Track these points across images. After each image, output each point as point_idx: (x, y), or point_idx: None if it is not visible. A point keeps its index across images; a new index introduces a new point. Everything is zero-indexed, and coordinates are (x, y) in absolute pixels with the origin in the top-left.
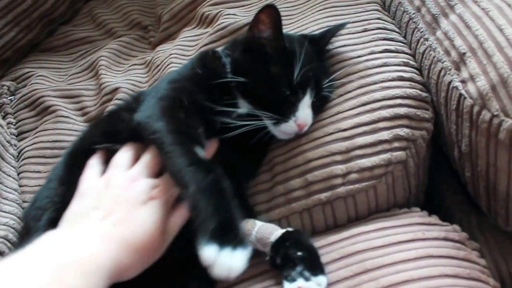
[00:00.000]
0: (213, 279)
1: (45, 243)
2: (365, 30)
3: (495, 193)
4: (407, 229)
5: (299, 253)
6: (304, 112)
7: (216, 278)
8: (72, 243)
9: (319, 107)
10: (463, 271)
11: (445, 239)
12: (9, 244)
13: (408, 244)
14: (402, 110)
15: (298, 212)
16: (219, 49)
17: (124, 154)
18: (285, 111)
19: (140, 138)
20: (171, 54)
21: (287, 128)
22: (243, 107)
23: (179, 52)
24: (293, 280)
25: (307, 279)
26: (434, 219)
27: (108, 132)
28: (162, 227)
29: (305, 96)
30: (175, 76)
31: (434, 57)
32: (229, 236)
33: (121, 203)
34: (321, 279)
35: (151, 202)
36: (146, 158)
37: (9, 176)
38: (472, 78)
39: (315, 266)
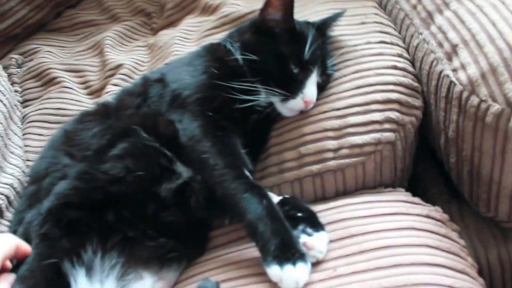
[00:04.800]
0: None
1: None
2: (362, 23)
3: (479, 177)
4: (392, 204)
5: (299, 214)
6: (311, 89)
7: None
8: None
9: (322, 86)
10: (443, 245)
11: (428, 216)
12: (14, 192)
13: (391, 217)
14: (394, 95)
15: (290, 181)
16: (221, 40)
17: None
18: (293, 88)
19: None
20: (174, 37)
21: (294, 105)
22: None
23: (182, 36)
24: (297, 238)
25: (310, 235)
26: (417, 199)
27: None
28: None
29: (312, 74)
30: (191, 82)
31: (427, 49)
32: (288, 254)
33: None
34: (323, 234)
35: None
36: None
37: (16, 134)
38: (463, 66)
39: (315, 224)
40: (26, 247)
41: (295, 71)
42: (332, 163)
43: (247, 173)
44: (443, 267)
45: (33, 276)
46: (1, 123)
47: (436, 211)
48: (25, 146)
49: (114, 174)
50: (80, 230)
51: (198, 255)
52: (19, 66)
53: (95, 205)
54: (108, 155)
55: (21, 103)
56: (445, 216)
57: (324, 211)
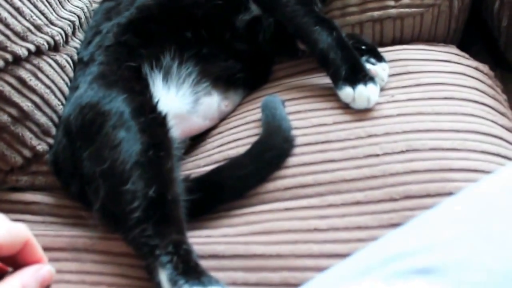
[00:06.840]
0: None
1: None
2: None
3: None
4: (444, 53)
5: (363, 47)
6: None
7: (358, 109)
8: None
9: None
10: (490, 91)
11: (476, 68)
12: (83, 15)
13: (444, 62)
14: None
15: (351, 25)
16: None
17: None
18: None
19: None
20: None
21: None
22: None
23: None
24: None
25: (373, 64)
26: (467, 55)
27: None
28: None
29: None
30: None
31: None
32: (359, 76)
33: None
34: (384, 65)
35: None
36: None
37: None
38: None
39: (378, 56)
40: (38, 252)
41: None
42: (393, 10)
43: (317, 9)
44: (489, 106)
45: (113, 74)
46: None
47: (483, 66)
48: None
49: None
50: (160, 41)
51: (261, 83)
52: None
53: (176, 22)
54: None
55: None
56: (492, 73)
57: (383, 53)
